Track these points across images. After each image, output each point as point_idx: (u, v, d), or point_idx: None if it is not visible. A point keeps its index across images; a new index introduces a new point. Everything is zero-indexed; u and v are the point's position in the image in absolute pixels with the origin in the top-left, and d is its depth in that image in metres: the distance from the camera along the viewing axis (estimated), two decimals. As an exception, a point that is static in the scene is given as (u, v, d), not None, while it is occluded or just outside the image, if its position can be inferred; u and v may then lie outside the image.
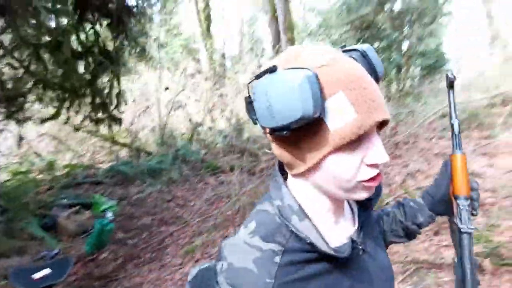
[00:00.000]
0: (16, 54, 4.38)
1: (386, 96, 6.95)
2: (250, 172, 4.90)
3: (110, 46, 5.05)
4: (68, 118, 5.36)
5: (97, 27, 4.77)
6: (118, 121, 5.26)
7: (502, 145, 4.65)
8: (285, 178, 0.55)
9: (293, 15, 10.18)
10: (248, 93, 0.48)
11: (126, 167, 6.07)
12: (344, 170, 0.46)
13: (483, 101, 5.72)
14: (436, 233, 2.73)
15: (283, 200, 0.50)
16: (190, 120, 7.23)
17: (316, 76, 0.41)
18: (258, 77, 0.44)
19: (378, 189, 0.57)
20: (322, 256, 0.48)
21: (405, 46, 9.52)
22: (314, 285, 0.47)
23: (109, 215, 3.26)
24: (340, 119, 0.43)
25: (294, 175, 0.52)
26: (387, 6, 10.04)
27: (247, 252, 0.47)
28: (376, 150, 0.46)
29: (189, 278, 0.52)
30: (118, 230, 3.38)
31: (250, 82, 0.47)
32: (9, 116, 4.44)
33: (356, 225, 0.57)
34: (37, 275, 2.17)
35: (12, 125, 5.22)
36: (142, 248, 3.18)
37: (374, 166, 0.46)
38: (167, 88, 7.17)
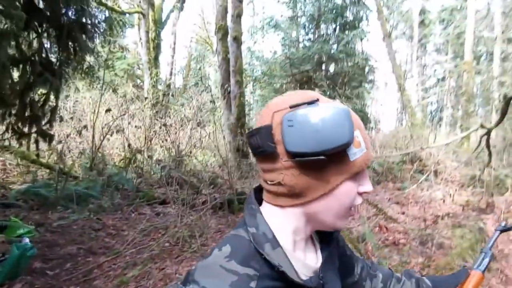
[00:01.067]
0: None
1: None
2: (190, 205, 4.83)
3: (54, 57, 4.76)
4: (-17, 128, 4.71)
5: (44, 36, 4.50)
6: (49, 137, 4.80)
7: (410, 196, 5.48)
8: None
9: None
10: (265, 124, 0.51)
11: (46, 190, 5.41)
12: (349, 197, 0.52)
13: (397, 158, 6.74)
14: None
15: (258, 228, 0.52)
16: (129, 146, 6.89)
17: (349, 114, 0.49)
18: (294, 107, 0.49)
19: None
20: (291, 286, 0.51)
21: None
22: None
23: (26, 241, 2.86)
24: (357, 151, 0.51)
25: (294, 205, 0.53)
26: (323, 67, 11.50)
27: (224, 276, 0.47)
28: (367, 181, 0.55)
29: None
30: (35, 259, 2.95)
31: (276, 111, 0.51)
32: None
33: (320, 260, 0.60)
34: None
35: None
36: (65, 279, 2.82)
37: (364, 194, 0.54)
38: (109, 110, 6.82)
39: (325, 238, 0.63)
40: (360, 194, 0.54)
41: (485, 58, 13.35)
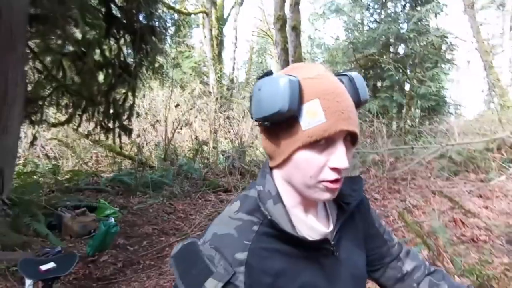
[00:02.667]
0: (40, 58, 4.65)
1: (387, 133, 7.18)
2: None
3: (131, 60, 5.34)
4: (79, 125, 5.54)
5: (121, 41, 5.07)
6: (129, 131, 5.43)
7: (496, 188, 4.78)
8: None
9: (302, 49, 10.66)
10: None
11: (128, 178, 6.16)
12: (310, 166, 0.52)
13: (480, 145, 5.92)
14: (432, 265, 2.81)
15: (265, 186, 0.57)
16: (196, 138, 7.39)
17: (299, 83, 0.50)
18: (259, 78, 0.54)
19: (358, 195, 0.64)
20: (289, 239, 0.54)
21: (407, 87, 9.94)
22: (279, 260, 0.53)
23: (112, 220, 3.32)
24: (312, 121, 0.50)
25: (273, 167, 0.59)
26: (391, 49, 10.60)
27: (230, 223, 0.54)
28: (338, 156, 0.51)
29: (173, 253, 0.53)
30: (119, 236, 3.42)
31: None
32: (25, 116, 4.61)
33: (331, 227, 0.60)
34: (43, 267, 2.23)
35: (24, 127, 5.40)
36: (142, 255, 3.22)
37: (336, 170, 0.52)
38: (177, 105, 7.40)
39: (341, 205, 0.64)
40: (331, 169, 0.52)
41: None
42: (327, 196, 0.54)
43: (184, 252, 0.52)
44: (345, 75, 0.59)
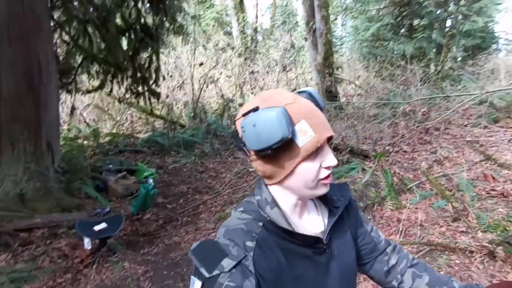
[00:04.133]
0: (66, 29, 4.77)
1: (422, 79, 6.73)
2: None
3: (150, 23, 5.30)
4: (111, 90, 5.79)
5: (139, 4, 5.00)
6: (157, 95, 5.60)
7: (541, 136, 4.48)
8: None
9: (329, -11, 9.78)
10: (235, 128, 0.65)
11: (162, 138, 6.51)
12: (310, 173, 0.62)
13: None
14: (455, 220, 2.84)
15: (262, 196, 0.67)
16: (222, 96, 7.45)
17: (286, 110, 0.58)
18: (244, 115, 0.61)
19: (346, 199, 0.74)
20: (288, 237, 0.64)
21: (448, 24, 8.96)
22: (279, 252, 0.63)
23: (150, 181, 3.64)
24: (305, 138, 0.60)
25: (272, 184, 0.67)
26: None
27: (239, 221, 0.65)
28: (329, 157, 0.64)
29: (192, 248, 0.60)
30: (158, 196, 3.77)
31: (236, 120, 0.64)
32: (61, 87, 4.90)
33: (323, 228, 0.70)
34: (97, 228, 2.59)
35: (63, 95, 5.76)
36: (180, 212, 3.57)
37: (328, 168, 0.64)
38: (201, 64, 7.37)
39: (331, 209, 0.73)
40: (325, 168, 0.63)
41: None
42: (324, 190, 0.66)
43: (202, 246, 0.61)
44: (304, 92, 0.69)
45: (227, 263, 0.57)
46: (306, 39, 8.98)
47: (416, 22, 9.34)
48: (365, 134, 5.68)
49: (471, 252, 2.37)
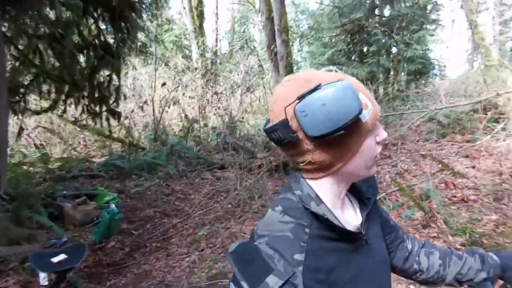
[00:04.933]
0: (15, 43, 4.38)
1: (376, 99, 7.23)
2: (247, 169, 5.06)
3: (111, 40, 5.09)
4: (64, 110, 5.35)
5: (99, 21, 4.80)
6: (117, 114, 5.30)
7: (482, 148, 4.98)
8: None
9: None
10: (285, 116, 0.55)
11: (121, 161, 6.11)
12: (371, 149, 0.59)
13: (466, 107, 6.06)
14: (425, 227, 2.98)
15: (303, 190, 0.60)
16: (186, 116, 7.29)
17: (349, 86, 0.53)
18: (301, 97, 0.53)
19: (374, 189, 0.71)
20: (338, 237, 0.59)
21: (394, 51, 9.89)
22: (331, 257, 0.57)
23: (113, 206, 3.34)
24: (367, 112, 0.56)
25: (325, 175, 0.60)
26: (377, 12, 10.40)
27: (283, 225, 0.57)
28: (381, 130, 0.61)
29: (231, 250, 0.55)
30: (122, 222, 3.46)
31: (286, 107, 0.55)
32: (9, 107, 4.42)
33: (360, 220, 0.66)
34: (55, 259, 2.26)
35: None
36: (148, 238, 3.28)
37: (381, 142, 0.61)
38: (164, 84, 7.20)
39: (362, 200, 0.70)
40: (378, 143, 0.60)
41: None
42: (375, 169, 0.63)
43: (243, 250, 0.55)
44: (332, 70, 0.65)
45: (273, 281, 0.50)
46: (262, 65, 9.28)
47: (366, 48, 10.18)
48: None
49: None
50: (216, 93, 8.04)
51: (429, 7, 10.25)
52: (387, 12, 10.52)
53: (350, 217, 0.66)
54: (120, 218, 3.15)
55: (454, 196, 3.35)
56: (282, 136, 0.56)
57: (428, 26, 10.32)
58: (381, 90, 9.17)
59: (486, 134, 5.47)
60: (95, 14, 4.74)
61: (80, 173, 5.54)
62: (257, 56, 13.29)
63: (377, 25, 9.24)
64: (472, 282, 0.77)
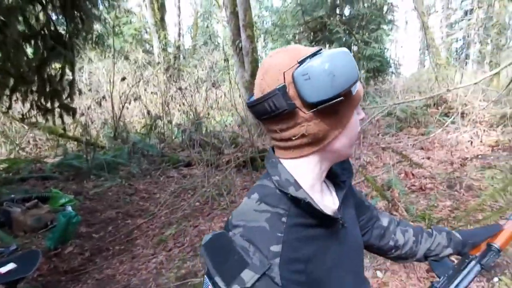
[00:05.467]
0: None
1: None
2: (214, 165, 4.96)
3: (62, 30, 4.69)
4: (9, 106, 4.85)
5: (49, 8, 4.40)
6: (72, 111, 4.92)
7: (435, 140, 5.36)
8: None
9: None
10: (283, 81, 0.51)
11: (77, 161, 5.70)
12: (356, 125, 0.59)
13: (420, 102, 6.48)
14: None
15: (281, 176, 0.57)
16: (148, 113, 6.98)
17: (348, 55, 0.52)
18: (302, 62, 0.50)
19: (350, 172, 0.69)
20: (317, 223, 0.57)
21: (355, 49, 10.28)
22: (310, 246, 0.55)
23: (69, 209, 3.08)
24: (357, 84, 0.55)
25: (315, 151, 0.56)
26: (338, 11, 10.73)
27: (258, 215, 0.54)
28: (360, 109, 0.60)
29: (204, 241, 0.53)
30: (80, 225, 3.21)
31: (285, 71, 0.52)
32: None
33: (337, 203, 0.65)
34: (3, 270, 2.02)
35: None
36: (110, 241, 3.08)
37: (362, 120, 0.61)
38: (124, 78, 6.82)
39: (338, 184, 0.68)
40: (360, 119, 0.60)
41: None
42: (352, 149, 0.62)
43: (216, 242, 0.52)
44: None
45: (248, 276, 0.47)
46: (228, 60, 9.19)
47: (328, 46, 10.46)
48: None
49: (408, 241, 2.60)
50: (180, 88, 7.77)
51: (385, 8, 10.79)
52: (347, 11, 10.91)
53: (328, 201, 0.64)
54: (78, 221, 2.91)
55: (413, 185, 3.55)
56: (277, 104, 0.51)
57: (385, 26, 10.87)
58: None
59: (438, 127, 5.88)
60: (44, 1, 4.34)
61: (30, 175, 5.07)
62: (222, 51, 13.13)
63: (338, 23, 9.54)
64: (436, 257, 0.82)
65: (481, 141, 4.94)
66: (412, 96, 7.60)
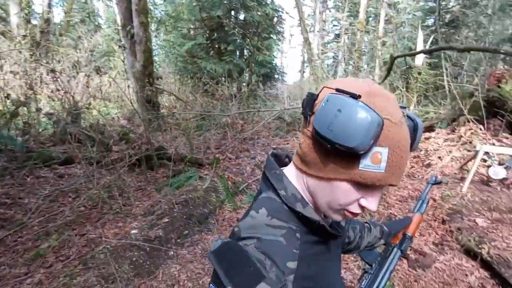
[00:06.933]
0: None
1: (234, 96, 7.74)
2: (100, 164, 4.40)
3: None
4: None
5: None
6: None
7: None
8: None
9: (144, -2, 9.52)
10: (318, 92, 0.54)
11: None
12: (344, 198, 0.53)
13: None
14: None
15: (287, 190, 0.58)
16: (7, 97, 5.57)
17: (382, 126, 0.47)
18: (341, 91, 0.49)
19: None
20: (321, 239, 0.59)
21: (247, 53, 10.84)
22: (317, 263, 0.57)
23: None
24: (371, 166, 0.49)
25: (303, 171, 0.57)
26: (234, 13, 11.10)
27: (273, 230, 0.54)
28: (373, 201, 0.54)
29: (213, 248, 0.51)
30: None
31: (326, 87, 0.53)
32: None
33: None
34: None
35: None
36: (-44, 264, 2.34)
37: (363, 208, 0.55)
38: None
39: None
40: (359, 205, 0.55)
41: (373, 18, 15.11)
42: (340, 219, 0.58)
43: (227, 250, 0.50)
44: (412, 119, 0.58)
45: None
46: (120, 47, 8.31)
47: (223, 46, 10.69)
48: (192, 144, 5.88)
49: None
50: (53, 71, 6.51)
51: (275, 19, 11.79)
52: (241, 16, 11.40)
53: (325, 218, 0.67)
54: None
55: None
56: (305, 105, 0.55)
57: (274, 36, 11.88)
58: (236, 89, 9.88)
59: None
60: None
61: None
62: (104, 35, 11.64)
63: (235, 26, 9.86)
64: (371, 247, 0.97)
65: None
66: (296, 102, 8.59)
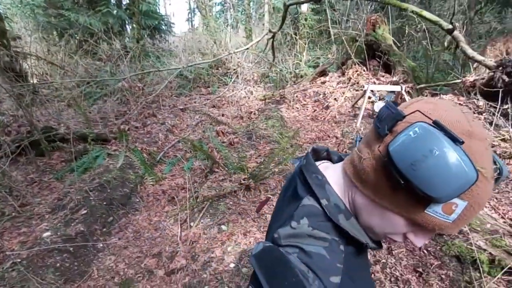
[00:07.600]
0: None
1: (125, 56, 6.79)
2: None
3: None
4: None
5: None
6: None
7: (223, 98, 6.15)
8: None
9: None
10: (408, 113, 0.47)
11: None
12: (391, 228, 0.51)
13: (206, 64, 7.06)
14: (211, 172, 3.43)
15: (330, 200, 0.55)
16: None
17: (476, 181, 0.41)
18: (441, 129, 0.43)
19: None
20: (362, 252, 0.58)
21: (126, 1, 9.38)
22: (359, 276, 0.56)
23: None
24: (439, 213, 0.45)
25: (355, 185, 0.54)
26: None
27: (314, 241, 0.52)
28: (421, 238, 0.50)
29: (254, 251, 0.50)
30: None
31: (419, 111, 0.46)
32: None
33: None
34: None
35: None
36: None
37: (405, 240, 0.52)
38: None
39: None
40: (405, 237, 0.52)
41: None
42: (376, 247, 0.57)
43: (269, 255, 0.49)
44: (501, 169, 0.49)
45: None
46: None
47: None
48: (88, 117, 5.08)
49: (235, 191, 3.03)
50: None
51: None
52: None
53: None
54: None
55: (224, 142, 4.03)
56: (383, 118, 0.48)
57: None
58: (118, 46, 8.66)
59: (221, 86, 6.73)
60: None
61: None
62: None
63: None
64: None
65: (254, 96, 6.17)
66: (194, 57, 8.13)
